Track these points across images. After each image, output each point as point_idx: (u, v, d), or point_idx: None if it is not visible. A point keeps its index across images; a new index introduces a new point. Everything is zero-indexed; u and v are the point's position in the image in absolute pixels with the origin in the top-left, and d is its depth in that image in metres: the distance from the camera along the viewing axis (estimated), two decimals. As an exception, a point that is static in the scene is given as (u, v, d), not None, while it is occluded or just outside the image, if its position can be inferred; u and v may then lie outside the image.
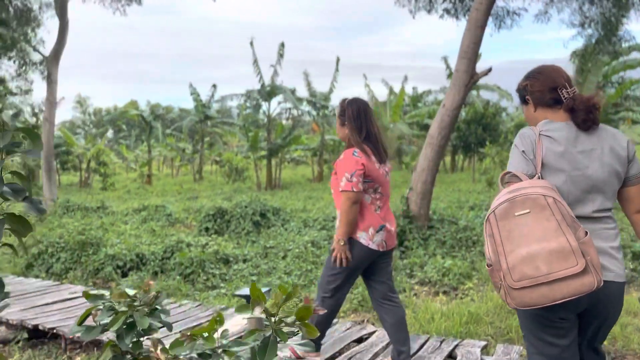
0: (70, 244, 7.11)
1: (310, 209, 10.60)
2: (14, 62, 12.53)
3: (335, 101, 22.80)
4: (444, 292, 5.47)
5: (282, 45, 19.46)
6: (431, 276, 5.74)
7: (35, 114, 25.19)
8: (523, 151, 1.87)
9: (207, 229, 8.93)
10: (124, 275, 6.63)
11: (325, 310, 2.51)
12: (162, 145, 27.30)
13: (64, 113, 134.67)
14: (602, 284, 1.66)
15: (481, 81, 20.55)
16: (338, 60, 21.34)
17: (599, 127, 1.92)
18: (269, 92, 19.61)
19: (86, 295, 1.56)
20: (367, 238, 2.97)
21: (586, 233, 1.69)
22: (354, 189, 2.87)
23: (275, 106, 20.89)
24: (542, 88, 1.97)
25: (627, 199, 1.95)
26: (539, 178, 1.81)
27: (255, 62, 19.35)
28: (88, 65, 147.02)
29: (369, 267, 3.12)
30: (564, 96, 1.93)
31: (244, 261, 6.93)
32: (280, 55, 19.35)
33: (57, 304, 4.97)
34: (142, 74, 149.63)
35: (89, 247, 7.12)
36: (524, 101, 2.08)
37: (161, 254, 6.90)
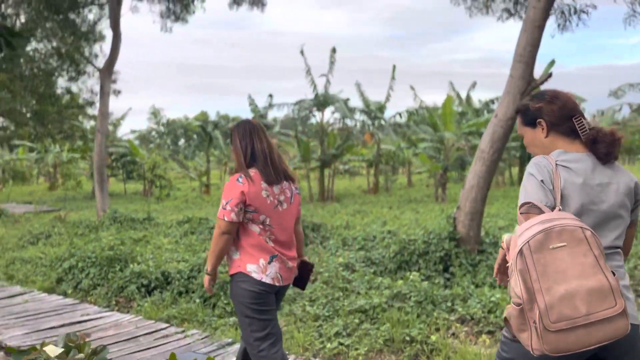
0: (100, 259, 6.95)
1: (354, 224, 10.01)
2: (72, 74, 12.98)
3: (391, 110, 22.11)
4: (489, 332, 4.70)
5: (334, 51, 19.00)
6: (474, 312, 4.98)
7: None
8: (542, 180, 1.75)
9: (242, 245, 8.56)
10: (149, 293, 6.35)
11: None
12: (221, 154, 27.62)
13: (140, 123, 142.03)
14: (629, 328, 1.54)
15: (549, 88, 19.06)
16: (394, 68, 20.64)
17: (615, 163, 1.87)
18: (322, 101, 19.24)
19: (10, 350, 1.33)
20: (259, 272, 2.69)
21: (613, 272, 1.57)
22: (226, 218, 2.63)
23: (328, 116, 20.45)
24: (560, 114, 1.88)
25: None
26: (560, 210, 1.68)
27: (308, 71, 19.06)
28: (164, 77, 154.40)
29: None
30: (583, 126, 1.86)
31: (273, 283, 6.46)
32: (332, 63, 18.93)
33: (62, 329, 4.71)
34: (213, 86, 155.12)
35: (117, 263, 6.92)
36: (532, 124, 1.95)
37: (187, 273, 6.57)
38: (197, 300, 5.78)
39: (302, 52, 18.95)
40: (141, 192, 27.47)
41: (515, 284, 1.57)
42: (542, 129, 1.91)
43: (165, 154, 30.32)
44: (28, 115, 20.06)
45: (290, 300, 5.74)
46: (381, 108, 20.86)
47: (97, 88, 16.86)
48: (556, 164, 1.78)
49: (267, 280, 2.69)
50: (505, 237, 1.76)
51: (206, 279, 2.79)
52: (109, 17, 12.58)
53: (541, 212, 1.67)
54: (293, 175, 2.90)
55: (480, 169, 6.65)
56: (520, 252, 1.56)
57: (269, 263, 2.71)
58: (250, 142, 2.76)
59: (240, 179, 2.68)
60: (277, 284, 2.74)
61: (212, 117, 38.62)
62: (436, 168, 18.31)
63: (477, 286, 6.11)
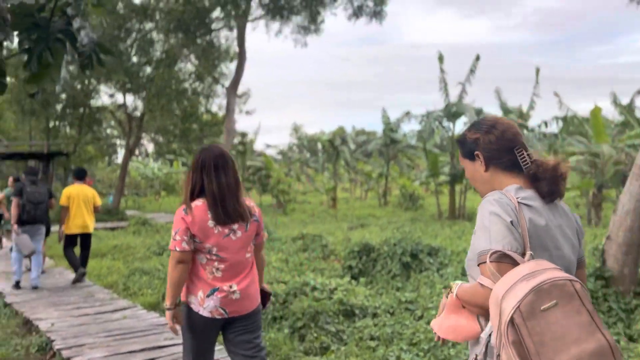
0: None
1: (479, 250, 8.80)
2: (207, 93, 13.73)
3: (536, 119, 19.92)
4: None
5: (477, 59, 17.64)
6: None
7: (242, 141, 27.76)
8: (511, 222, 1.51)
9: (350, 267, 7.94)
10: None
11: None
12: (348, 169, 27.49)
13: (283, 139, 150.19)
14: None
15: None
16: (537, 71, 18.56)
17: (558, 201, 1.68)
18: (454, 112, 17.95)
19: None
20: (197, 303, 2.67)
21: None
22: (177, 248, 2.61)
23: (460, 127, 19.02)
24: (498, 146, 1.67)
25: None
26: (533, 258, 1.45)
27: (443, 80, 17.94)
28: (306, 94, 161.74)
29: (225, 337, 2.81)
30: (525, 159, 1.66)
31: (374, 316, 5.73)
32: (472, 71, 17.58)
33: (141, 354, 4.51)
34: (352, 102, 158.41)
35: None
36: (470, 156, 1.74)
37: (284, 297, 6.13)
38: (286, 331, 5.28)
39: (440, 59, 17.92)
40: (275, 205, 28.44)
41: (509, 359, 1.32)
42: (481, 162, 1.71)
43: (295, 168, 31.08)
44: (176, 132, 21.80)
45: (388, 339, 4.95)
46: (522, 115, 18.85)
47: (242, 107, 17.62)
48: (518, 202, 1.56)
49: (204, 313, 2.65)
50: (456, 286, 1.61)
51: (167, 314, 2.68)
52: (237, 38, 13.03)
53: (514, 262, 1.44)
54: (246, 215, 2.71)
55: (637, 190, 5.22)
56: (512, 320, 1.31)
57: (207, 296, 2.66)
58: (200, 179, 2.66)
59: (184, 211, 2.64)
60: (217, 317, 2.67)
61: (348, 131, 39.05)
62: (588, 185, 15.86)
63: (631, 339, 4.76)
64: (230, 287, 2.68)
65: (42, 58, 4.43)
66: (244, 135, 24.86)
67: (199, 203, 2.65)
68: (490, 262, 1.45)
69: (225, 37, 14.09)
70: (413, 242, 7.94)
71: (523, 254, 1.47)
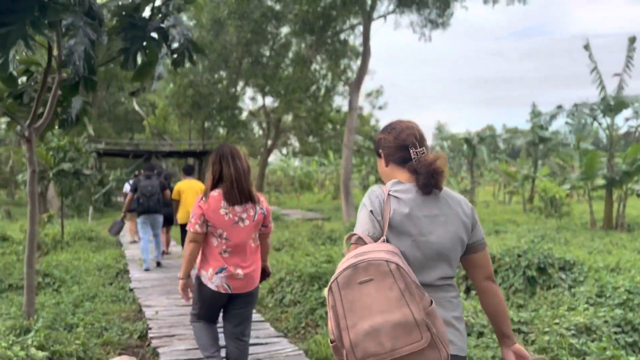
0: (303, 275, 6.75)
1: (628, 266, 7.35)
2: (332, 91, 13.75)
3: None
4: None
5: (632, 41, 15.12)
6: None
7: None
8: (371, 211, 1.79)
9: (465, 278, 7.20)
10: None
11: None
12: (487, 170, 25.59)
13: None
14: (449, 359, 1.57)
15: None
16: None
17: (445, 192, 1.87)
18: (614, 105, 15.58)
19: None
20: (206, 278, 3.22)
21: (431, 302, 1.59)
22: (191, 229, 3.17)
23: (622, 123, 16.48)
24: (395, 144, 1.92)
25: (475, 266, 1.91)
26: (385, 241, 1.73)
27: (595, 69, 15.71)
28: (453, 92, 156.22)
29: (225, 308, 3.39)
30: (413, 156, 1.88)
31: (479, 335, 5.05)
32: (629, 57, 15.10)
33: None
34: (504, 99, 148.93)
35: (317, 281, 6.59)
36: (377, 154, 2.02)
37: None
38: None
39: (586, 47, 15.78)
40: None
41: (329, 322, 1.60)
42: (382, 159, 1.96)
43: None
44: (309, 131, 22.39)
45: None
46: None
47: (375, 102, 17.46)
48: (388, 194, 1.80)
49: (211, 286, 3.23)
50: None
51: (180, 283, 3.31)
52: (362, 33, 12.82)
53: (366, 244, 1.68)
54: (256, 197, 3.27)
55: None
56: (330, 289, 1.57)
57: (216, 273, 3.21)
58: (219, 167, 3.19)
59: (202, 200, 3.20)
60: (222, 292, 3.23)
61: (499, 130, 36.63)
62: None
63: None
64: (236, 269, 3.22)
65: (136, 57, 4.62)
66: (376, 130, 24.57)
67: (215, 193, 3.20)
68: (352, 243, 1.72)
69: (349, 34, 13.99)
70: (541, 253, 6.93)
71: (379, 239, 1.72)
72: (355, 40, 14.16)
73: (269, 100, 21.28)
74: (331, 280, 1.59)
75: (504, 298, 1.93)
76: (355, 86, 12.59)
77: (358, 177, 37.14)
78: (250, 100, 23.77)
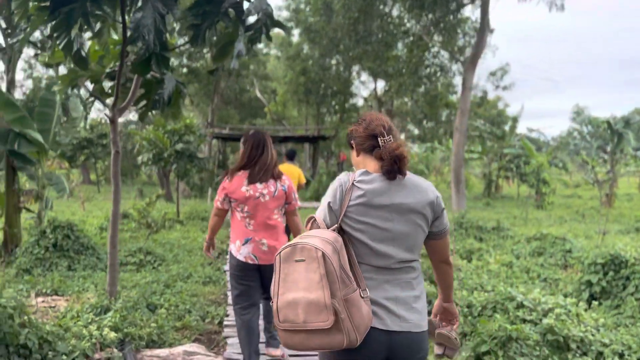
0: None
1: None
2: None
3: None
4: None
5: None
6: None
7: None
8: (329, 202, 1.96)
9: (589, 284, 6.13)
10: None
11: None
12: (632, 158, 22.29)
13: (562, 123, 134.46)
14: (357, 343, 1.76)
15: None
16: None
17: (412, 180, 1.98)
18: None
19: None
20: (235, 250, 3.53)
21: (356, 290, 1.80)
22: (215, 205, 3.59)
23: None
24: (364, 134, 2.04)
25: (434, 251, 2.10)
26: (336, 229, 1.92)
27: None
28: (593, 73, 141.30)
29: (261, 280, 3.60)
30: (381, 145, 1.99)
31: (598, 355, 4.17)
32: None
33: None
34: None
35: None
36: (350, 145, 2.15)
37: (479, 309, 5.05)
38: (466, 354, 4.24)
39: None
40: (535, 197, 25.40)
41: (272, 285, 1.85)
42: (353, 149, 2.12)
43: (564, 157, 27.09)
44: (421, 116, 21.37)
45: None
46: None
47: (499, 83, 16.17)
48: (352, 184, 1.95)
49: (240, 257, 3.49)
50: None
51: (204, 246, 3.80)
52: (480, 8, 11.65)
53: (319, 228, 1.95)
54: (279, 175, 3.58)
55: None
56: (275, 260, 1.84)
57: (243, 244, 3.49)
58: (249, 151, 3.48)
59: (226, 179, 3.51)
60: (250, 262, 3.48)
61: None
62: None
63: None
64: (261, 240, 3.48)
65: (206, 34, 4.39)
66: (500, 115, 22.70)
67: (239, 173, 3.50)
68: (309, 226, 2.00)
69: (464, 8, 12.79)
70: (690, 261, 5.64)
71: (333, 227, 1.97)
72: (473, 13, 13.01)
73: (380, 85, 20.71)
74: (277, 253, 1.85)
75: (452, 274, 2.18)
76: (470, 64, 11.50)
77: (479, 164, 35.03)
78: (362, 84, 23.28)
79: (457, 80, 18.51)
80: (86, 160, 23.80)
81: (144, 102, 5.76)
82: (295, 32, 24.59)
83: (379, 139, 1.98)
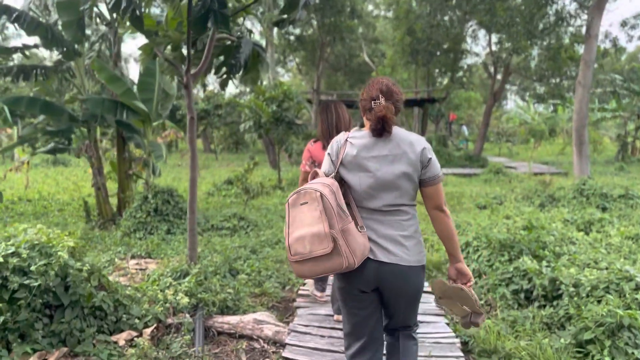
0: (493, 242, 5.62)
1: None
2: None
3: None
4: None
5: None
6: None
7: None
8: (329, 154, 2.37)
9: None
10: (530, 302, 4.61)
11: None
12: None
13: None
14: (355, 265, 2.11)
15: None
16: None
17: (400, 135, 2.29)
18: None
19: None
20: None
21: (351, 222, 2.15)
22: (302, 169, 3.91)
23: None
24: (365, 97, 2.36)
25: (426, 197, 2.33)
26: (334, 176, 2.30)
27: None
28: None
29: None
30: (373, 107, 2.31)
31: None
32: None
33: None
34: None
35: (507, 250, 5.41)
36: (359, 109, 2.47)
37: (588, 289, 4.36)
38: (564, 341, 3.66)
39: None
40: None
41: (285, 228, 2.19)
42: (361, 110, 2.42)
43: None
44: (540, 72, 19.37)
45: None
46: None
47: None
48: (346, 140, 2.33)
49: None
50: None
51: None
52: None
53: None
54: None
55: None
56: (286, 206, 2.19)
57: None
58: (326, 119, 3.83)
59: (311, 143, 3.92)
60: None
61: None
62: None
63: None
64: None
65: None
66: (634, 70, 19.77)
67: (317, 141, 3.87)
68: (314, 177, 2.34)
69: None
70: None
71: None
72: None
73: (494, 39, 18.98)
74: (286, 200, 2.18)
75: (452, 224, 2.34)
76: (595, 7, 9.90)
77: (613, 124, 31.23)
78: (473, 39, 21.57)
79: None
80: (204, 129, 25.20)
81: (224, 70, 5.69)
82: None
83: (372, 102, 2.29)
